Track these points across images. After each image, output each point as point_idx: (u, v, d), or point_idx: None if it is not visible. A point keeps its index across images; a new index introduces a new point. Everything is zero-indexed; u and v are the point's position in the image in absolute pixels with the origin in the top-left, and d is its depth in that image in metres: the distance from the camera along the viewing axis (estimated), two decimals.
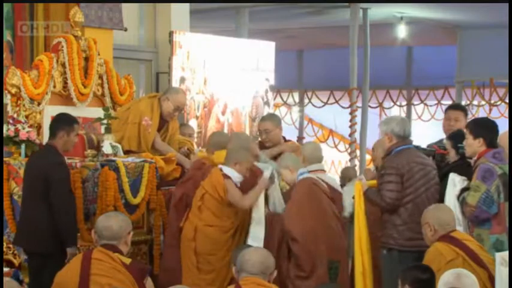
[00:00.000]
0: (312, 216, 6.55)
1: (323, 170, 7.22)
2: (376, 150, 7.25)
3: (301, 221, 6.52)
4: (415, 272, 4.89)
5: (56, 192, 6.14)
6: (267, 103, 11.45)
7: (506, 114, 16.19)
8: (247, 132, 10.95)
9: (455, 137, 6.64)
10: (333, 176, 7.35)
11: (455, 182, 6.26)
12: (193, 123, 10.30)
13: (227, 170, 6.65)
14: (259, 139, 7.82)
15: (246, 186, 6.72)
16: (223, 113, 10.82)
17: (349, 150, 14.93)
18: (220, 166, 6.72)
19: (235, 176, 6.64)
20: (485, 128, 6.22)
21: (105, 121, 7.18)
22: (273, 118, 7.82)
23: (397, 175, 6.31)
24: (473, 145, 6.19)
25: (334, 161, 20.75)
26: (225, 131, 10.49)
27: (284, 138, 7.76)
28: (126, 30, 9.27)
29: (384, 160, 6.53)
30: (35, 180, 6.22)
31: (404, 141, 6.48)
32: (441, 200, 6.28)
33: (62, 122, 6.42)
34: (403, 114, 19.16)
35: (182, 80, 10.10)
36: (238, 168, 6.66)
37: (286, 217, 6.59)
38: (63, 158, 6.37)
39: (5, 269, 6.19)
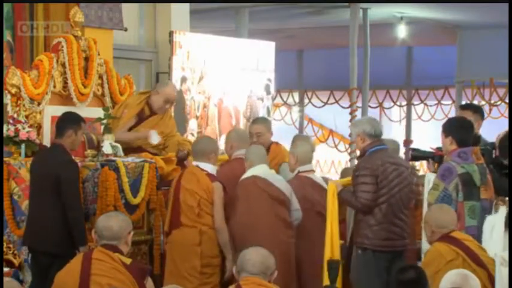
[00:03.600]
0: (241, 217, 6.50)
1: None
2: None
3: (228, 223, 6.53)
4: (397, 275, 4.85)
5: (68, 191, 6.16)
6: (261, 104, 11.42)
7: (506, 114, 16.19)
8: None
9: None
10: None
11: (429, 181, 6.33)
12: (193, 123, 10.30)
13: (206, 166, 6.64)
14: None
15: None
16: (220, 113, 10.83)
17: (349, 150, 14.94)
18: (196, 163, 6.69)
19: (212, 168, 6.67)
20: (455, 127, 6.28)
21: (105, 121, 7.18)
22: (265, 122, 7.79)
23: (372, 176, 6.31)
24: (445, 143, 6.26)
25: (334, 161, 20.76)
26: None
27: (272, 142, 7.72)
28: (126, 30, 9.27)
29: (358, 161, 6.52)
30: (45, 179, 6.21)
31: (378, 142, 6.49)
32: None
33: (69, 121, 6.43)
34: (403, 114, 19.19)
35: (183, 79, 10.10)
36: (213, 160, 6.70)
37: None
38: (72, 156, 6.38)
39: (5, 269, 6.20)
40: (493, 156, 6.63)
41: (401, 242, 6.38)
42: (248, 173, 6.66)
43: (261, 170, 6.65)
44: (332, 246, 6.47)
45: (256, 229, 6.44)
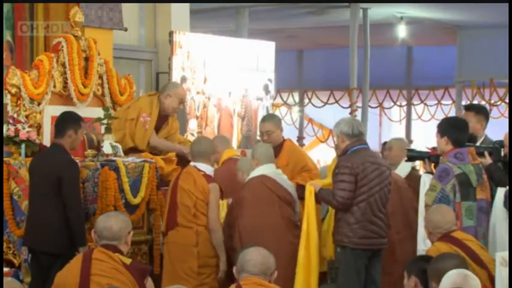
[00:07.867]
0: (249, 219, 6.48)
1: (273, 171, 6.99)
2: (391, 150, 7.48)
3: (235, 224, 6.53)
4: (420, 263, 4.90)
5: (68, 191, 6.16)
6: (261, 104, 11.41)
7: (506, 114, 16.20)
8: (237, 131, 10.96)
9: None
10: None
11: (425, 183, 6.33)
12: (193, 123, 10.31)
13: (203, 167, 6.64)
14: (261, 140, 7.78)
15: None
16: (221, 113, 10.83)
17: None
18: (193, 164, 6.68)
19: (210, 169, 6.66)
20: (451, 127, 6.27)
21: (105, 121, 7.17)
22: (274, 119, 7.71)
23: (351, 175, 6.31)
24: (440, 143, 6.26)
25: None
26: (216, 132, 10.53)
27: (283, 138, 7.70)
28: (126, 30, 9.28)
29: (339, 159, 6.53)
30: (46, 179, 6.20)
31: (359, 141, 6.48)
32: None
33: (70, 121, 6.42)
34: (403, 114, 19.21)
35: (183, 79, 10.11)
36: (213, 160, 6.71)
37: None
38: (72, 156, 6.38)
39: (5, 269, 6.20)
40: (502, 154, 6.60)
41: (379, 240, 6.42)
42: (256, 172, 6.64)
43: (269, 169, 6.64)
44: (309, 252, 6.51)
45: (265, 230, 6.44)
